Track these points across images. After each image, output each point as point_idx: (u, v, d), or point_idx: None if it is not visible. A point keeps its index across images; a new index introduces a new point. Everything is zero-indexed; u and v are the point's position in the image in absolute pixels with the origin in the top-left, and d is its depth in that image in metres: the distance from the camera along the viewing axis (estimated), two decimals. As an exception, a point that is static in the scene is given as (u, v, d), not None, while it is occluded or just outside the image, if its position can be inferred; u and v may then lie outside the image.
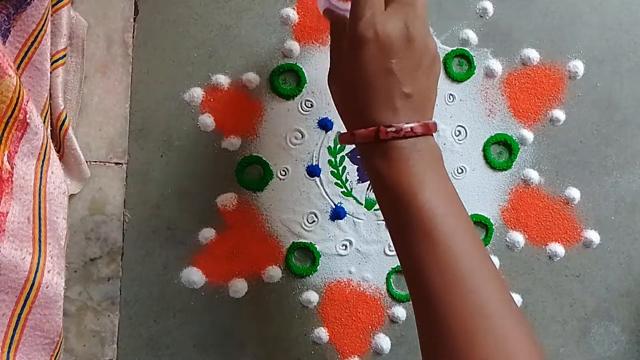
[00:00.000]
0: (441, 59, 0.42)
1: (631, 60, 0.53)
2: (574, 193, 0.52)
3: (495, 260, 0.52)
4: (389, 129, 0.36)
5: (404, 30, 0.36)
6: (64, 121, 0.47)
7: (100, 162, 0.49)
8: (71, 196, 0.48)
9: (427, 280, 0.34)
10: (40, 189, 0.42)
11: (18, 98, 0.40)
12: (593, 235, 0.52)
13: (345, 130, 0.40)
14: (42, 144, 0.43)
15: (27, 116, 0.41)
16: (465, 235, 0.36)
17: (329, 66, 0.41)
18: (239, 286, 0.50)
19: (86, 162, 0.48)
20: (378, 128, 0.36)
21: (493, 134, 0.52)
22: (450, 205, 0.36)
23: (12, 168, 0.41)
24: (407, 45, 0.36)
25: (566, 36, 0.53)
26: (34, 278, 0.39)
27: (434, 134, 0.38)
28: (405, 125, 0.36)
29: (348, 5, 0.39)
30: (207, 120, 0.50)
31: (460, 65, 0.52)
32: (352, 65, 0.37)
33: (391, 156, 0.36)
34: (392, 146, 0.36)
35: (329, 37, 0.43)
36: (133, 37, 0.50)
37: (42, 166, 0.43)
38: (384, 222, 0.51)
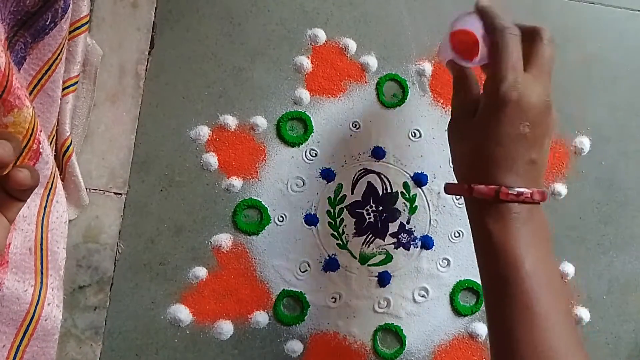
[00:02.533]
0: None
1: (638, 142, 0.55)
2: (569, 268, 0.54)
3: (484, 327, 0.54)
4: (510, 191, 0.38)
5: (543, 97, 0.39)
6: (68, 147, 0.49)
7: (100, 190, 0.51)
8: (67, 222, 0.49)
9: (518, 350, 0.36)
10: (43, 219, 0.44)
11: (33, 128, 0.42)
12: (583, 313, 0.55)
13: (453, 181, 0.43)
14: (50, 172, 0.45)
15: (40, 146, 0.43)
16: (562, 316, 0.37)
17: (450, 117, 0.44)
18: (225, 328, 0.51)
19: (86, 189, 0.50)
20: (499, 188, 0.38)
21: (493, 201, 0.54)
22: (551, 282, 0.38)
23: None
24: (544, 112, 0.39)
25: (575, 112, 0.55)
26: (34, 310, 0.41)
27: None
28: (526, 190, 0.38)
29: (469, 63, 0.42)
30: (211, 159, 0.52)
31: (467, 129, 0.54)
32: (486, 123, 0.39)
33: (505, 219, 0.38)
34: (508, 209, 0.38)
35: (453, 88, 0.45)
36: (146, 70, 0.52)
37: (48, 195, 0.45)
38: (376, 278, 0.53)
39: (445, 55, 0.44)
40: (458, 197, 0.54)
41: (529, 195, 0.38)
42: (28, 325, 0.40)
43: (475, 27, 0.42)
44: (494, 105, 0.39)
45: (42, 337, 0.42)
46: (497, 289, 0.39)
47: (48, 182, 0.44)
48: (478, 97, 0.41)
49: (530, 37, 0.41)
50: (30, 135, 0.41)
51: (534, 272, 0.37)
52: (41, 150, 0.43)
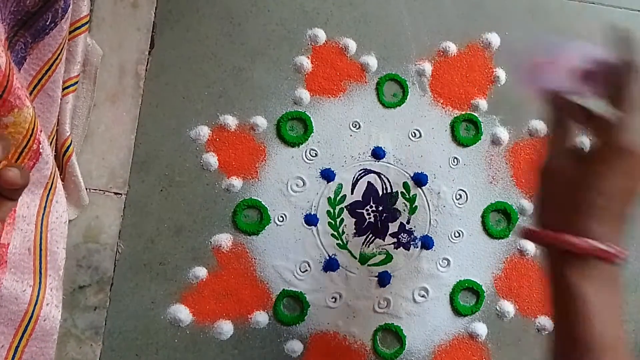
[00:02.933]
0: None
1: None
2: (569, 268, 0.54)
3: (484, 327, 0.53)
4: (602, 246, 0.35)
5: None
6: (68, 147, 0.49)
7: (100, 190, 0.51)
8: (67, 222, 0.49)
9: None
10: (42, 219, 0.44)
11: (33, 128, 0.42)
12: (583, 313, 0.54)
13: (534, 226, 0.39)
14: (50, 173, 0.45)
15: (40, 146, 0.43)
16: None
17: (546, 155, 0.39)
18: (225, 328, 0.51)
19: (86, 189, 0.50)
20: (597, 247, 0.35)
21: (493, 201, 0.54)
22: (618, 343, 0.35)
23: (18, 197, 0.42)
24: None
25: (575, 112, 0.54)
26: (33, 310, 0.41)
27: None
28: (617, 249, 0.35)
29: (584, 88, 0.37)
30: (211, 159, 0.51)
31: (467, 129, 0.54)
32: (596, 171, 0.35)
33: (590, 276, 0.35)
34: (594, 266, 0.35)
35: (552, 124, 0.40)
36: (146, 70, 0.52)
37: (48, 195, 0.45)
38: (376, 278, 0.53)
39: (540, 83, 0.39)
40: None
41: (617, 255, 0.35)
42: (26, 326, 0.40)
43: (583, 56, 0.37)
44: (612, 152, 0.35)
45: (41, 337, 0.42)
46: (568, 336, 0.36)
47: (48, 182, 0.44)
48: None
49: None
50: (31, 135, 0.40)
51: (605, 333, 0.34)
52: (41, 150, 0.42)
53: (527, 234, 0.40)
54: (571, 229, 0.36)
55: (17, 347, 0.39)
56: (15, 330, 0.39)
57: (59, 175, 0.47)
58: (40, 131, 0.42)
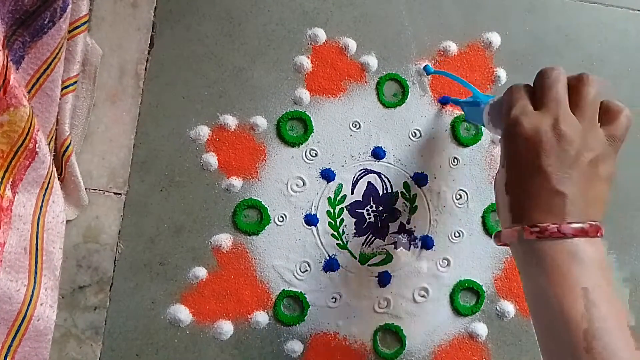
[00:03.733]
0: (613, 160, 0.37)
1: (638, 142, 0.54)
2: (569, 268, 0.53)
3: (484, 327, 0.52)
4: (532, 229, 0.34)
5: (552, 127, 0.35)
6: (67, 147, 0.48)
7: (99, 190, 0.50)
8: (67, 222, 0.49)
9: None
10: (39, 218, 0.43)
11: (30, 127, 0.41)
12: (583, 313, 0.53)
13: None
14: (47, 172, 0.44)
15: (37, 145, 0.42)
16: None
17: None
18: (225, 328, 0.50)
19: (86, 189, 0.49)
20: (522, 228, 0.35)
21: (493, 201, 0.53)
22: (613, 325, 0.33)
23: (14, 196, 0.41)
24: (557, 140, 0.35)
25: (576, 112, 0.54)
26: (27, 310, 0.40)
27: (599, 238, 0.35)
28: (552, 226, 0.34)
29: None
30: (211, 159, 0.51)
31: (467, 129, 0.53)
32: (505, 162, 0.37)
33: (545, 263, 0.34)
34: (538, 247, 0.34)
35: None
36: (146, 70, 0.51)
37: (44, 194, 0.44)
38: (376, 278, 0.52)
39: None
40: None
41: (555, 230, 0.34)
42: (19, 326, 0.39)
43: None
44: (505, 141, 0.37)
45: (34, 337, 0.40)
46: (550, 337, 0.34)
47: (44, 182, 0.43)
48: None
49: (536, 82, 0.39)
50: (27, 135, 0.40)
51: (590, 319, 0.32)
52: (37, 149, 0.41)
53: (495, 240, 0.39)
54: (509, 221, 0.36)
55: (9, 347, 0.38)
56: (8, 330, 0.38)
57: (56, 175, 0.46)
58: (37, 130, 0.41)
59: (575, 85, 0.37)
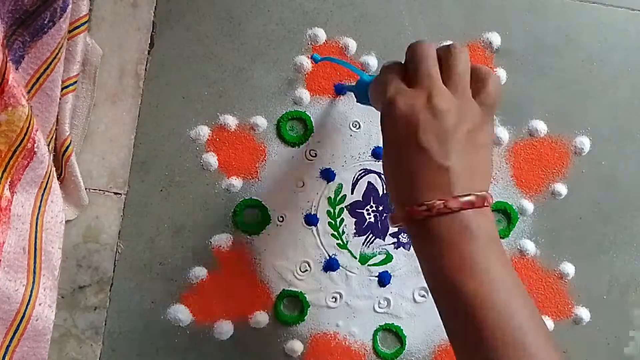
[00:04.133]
0: (491, 127, 0.37)
1: (638, 142, 0.54)
2: (569, 268, 0.53)
3: (484, 327, 0.52)
4: (419, 207, 0.33)
5: (426, 103, 0.35)
6: (67, 147, 0.48)
7: (99, 190, 0.50)
8: (67, 222, 0.49)
9: None
10: (37, 218, 0.43)
11: (28, 127, 0.41)
12: (583, 313, 0.53)
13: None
14: (46, 172, 0.44)
15: (35, 145, 0.42)
16: (533, 331, 0.33)
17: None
18: (225, 328, 0.50)
19: (86, 189, 0.49)
20: (410, 208, 0.34)
21: (493, 201, 0.53)
22: (511, 300, 0.33)
23: (12, 196, 0.41)
24: (433, 116, 0.34)
25: (575, 112, 0.54)
26: (25, 310, 0.40)
27: (487, 207, 0.34)
28: (438, 202, 0.33)
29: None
30: (211, 159, 0.50)
31: (467, 129, 0.53)
32: (385, 147, 0.37)
33: (437, 240, 0.33)
34: (429, 226, 0.34)
35: None
36: (146, 70, 0.51)
37: (42, 194, 0.44)
38: (376, 278, 0.52)
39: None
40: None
41: (442, 206, 0.33)
42: (18, 325, 0.38)
43: None
44: (383, 122, 0.37)
45: (33, 337, 0.40)
46: (450, 319, 0.34)
47: (43, 182, 0.42)
48: None
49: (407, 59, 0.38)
50: (25, 134, 0.39)
51: (483, 293, 0.32)
52: (36, 149, 0.41)
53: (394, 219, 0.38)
54: (398, 203, 0.36)
55: (7, 346, 0.38)
56: (7, 330, 0.38)
57: (55, 175, 0.46)
58: (36, 130, 0.41)
59: (445, 58, 0.37)
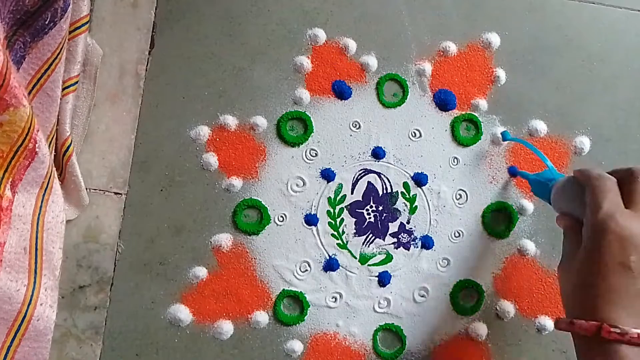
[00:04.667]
0: None
1: (638, 142, 0.54)
2: (569, 268, 0.53)
3: (484, 327, 0.52)
4: (612, 329, 0.33)
5: None
6: (68, 147, 0.48)
7: (100, 190, 0.50)
8: (67, 222, 0.49)
9: None
10: (38, 218, 0.43)
11: (30, 127, 0.40)
12: (583, 313, 0.53)
13: (564, 316, 0.38)
14: (47, 172, 0.44)
15: (37, 145, 0.42)
16: None
17: (562, 254, 0.41)
18: (225, 328, 0.50)
19: (86, 189, 0.49)
20: (601, 324, 0.34)
21: (493, 201, 0.53)
22: None
23: (13, 196, 0.41)
24: None
25: (575, 112, 0.54)
26: (26, 310, 0.40)
27: None
28: (634, 330, 0.33)
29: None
30: (211, 159, 0.50)
31: (467, 129, 0.53)
32: (588, 255, 0.36)
33: None
34: (614, 350, 0.33)
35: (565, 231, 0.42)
36: (146, 70, 0.50)
37: (44, 194, 0.44)
38: (376, 278, 0.52)
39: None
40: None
41: (636, 336, 0.33)
42: (19, 325, 0.38)
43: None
44: (594, 233, 0.36)
45: (34, 337, 0.40)
46: None
47: (44, 182, 0.42)
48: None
49: (626, 179, 0.38)
50: (26, 135, 0.39)
51: None
52: (37, 149, 0.41)
53: (555, 324, 0.39)
54: (585, 313, 0.35)
55: (9, 346, 0.38)
56: (8, 330, 0.38)
57: (56, 175, 0.46)
58: (37, 131, 0.41)
59: (632, 183, 0.38)
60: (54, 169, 0.45)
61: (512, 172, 0.53)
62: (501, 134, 0.52)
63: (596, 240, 0.36)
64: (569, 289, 0.38)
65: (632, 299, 0.34)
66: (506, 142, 0.53)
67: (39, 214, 0.43)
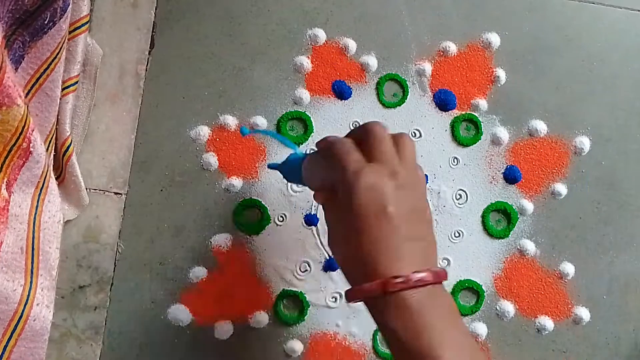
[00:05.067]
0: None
1: (638, 142, 0.54)
2: (569, 268, 0.53)
3: (484, 327, 0.52)
4: (396, 280, 0.33)
5: (390, 178, 0.35)
6: (68, 147, 0.47)
7: (100, 190, 0.49)
8: (67, 222, 0.48)
9: None
10: (35, 218, 0.43)
11: (24, 127, 0.40)
12: (583, 313, 0.53)
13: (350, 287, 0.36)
14: (42, 172, 0.43)
15: (31, 145, 0.41)
16: None
17: (327, 229, 0.39)
18: (225, 328, 0.50)
19: (86, 189, 0.49)
20: (386, 280, 0.33)
21: (493, 201, 0.53)
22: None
23: (10, 196, 0.41)
24: (398, 190, 0.35)
25: (575, 112, 0.53)
26: (23, 310, 0.39)
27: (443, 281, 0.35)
28: (414, 275, 0.33)
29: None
30: (211, 159, 0.50)
31: (467, 129, 0.53)
32: (348, 218, 0.35)
33: (405, 311, 0.33)
34: (403, 299, 0.33)
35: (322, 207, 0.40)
36: (146, 70, 0.50)
37: (39, 194, 0.44)
38: (376, 278, 0.51)
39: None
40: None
41: (419, 279, 0.33)
42: (16, 325, 0.38)
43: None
44: (347, 196, 0.35)
45: (31, 337, 0.39)
46: None
47: (39, 182, 0.42)
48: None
49: (363, 136, 0.38)
50: (20, 134, 0.39)
51: None
52: (32, 149, 0.40)
53: (346, 298, 0.37)
54: (367, 276, 0.34)
55: (5, 346, 0.37)
56: (4, 330, 0.37)
57: (52, 175, 0.45)
58: (33, 130, 0.40)
59: (398, 142, 0.38)
60: (51, 168, 0.45)
61: (270, 166, 0.47)
62: (240, 129, 0.49)
63: (351, 202, 0.35)
64: (346, 259, 0.37)
65: (402, 247, 0.34)
66: (506, 142, 0.53)
67: (35, 214, 0.42)
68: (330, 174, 0.37)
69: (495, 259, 0.53)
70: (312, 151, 0.41)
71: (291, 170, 0.44)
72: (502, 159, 0.53)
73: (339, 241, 0.37)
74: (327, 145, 0.39)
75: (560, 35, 0.54)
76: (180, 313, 0.49)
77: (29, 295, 0.40)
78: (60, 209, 0.46)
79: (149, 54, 0.50)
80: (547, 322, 0.52)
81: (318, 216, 0.51)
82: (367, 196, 0.35)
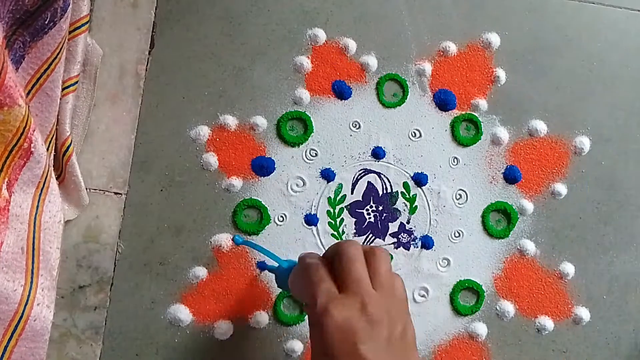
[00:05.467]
0: (411, 321, 0.39)
1: (638, 142, 0.54)
2: (569, 268, 0.52)
3: (484, 327, 0.52)
4: None
5: (361, 311, 0.34)
6: (68, 147, 0.47)
7: (100, 190, 0.49)
8: (67, 222, 0.48)
9: None
10: (35, 218, 0.43)
11: (25, 127, 0.40)
12: (583, 313, 0.52)
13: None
14: (43, 172, 0.43)
15: (32, 145, 0.41)
16: None
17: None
18: (225, 328, 0.50)
19: (86, 189, 0.48)
20: None
21: (493, 201, 0.52)
22: None
23: (10, 196, 0.41)
24: (369, 325, 0.34)
25: (575, 112, 0.53)
26: (23, 310, 0.39)
27: None
28: None
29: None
30: (211, 159, 0.50)
31: (467, 129, 0.53)
32: (321, 353, 0.35)
33: None
34: None
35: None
36: (146, 70, 0.50)
37: (40, 194, 0.44)
38: (376, 278, 0.51)
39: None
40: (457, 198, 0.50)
41: None
42: (16, 325, 0.38)
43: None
44: (319, 333, 0.35)
45: (31, 337, 0.39)
46: None
47: (40, 182, 0.41)
48: None
49: (335, 259, 0.37)
50: (21, 134, 0.39)
51: None
52: (33, 149, 0.40)
53: None
54: None
55: (6, 347, 0.37)
56: (5, 330, 0.37)
57: (53, 175, 0.45)
58: (34, 130, 0.40)
59: (371, 261, 0.37)
60: (51, 168, 0.45)
61: (260, 266, 0.50)
62: (233, 239, 0.50)
63: (322, 339, 0.34)
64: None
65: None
66: (506, 142, 0.53)
67: (36, 214, 0.42)
68: (309, 292, 0.37)
69: (495, 259, 0.53)
70: (296, 265, 0.41)
71: (280, 281, 0.45)
72: (502, 159, 0.53)
73: None
74: (302, 266, 0.38)
75: (560, 35, 0.54)
76: (181, 313, 0.49)
77: (29, 296, 0.40)
78: (61, 209, 0.46)
79: (149, 54, 0.50)
80: (547, 322, 0.52)
81: (318, 216, 0.51)
82: (337, 336, 0.34)
